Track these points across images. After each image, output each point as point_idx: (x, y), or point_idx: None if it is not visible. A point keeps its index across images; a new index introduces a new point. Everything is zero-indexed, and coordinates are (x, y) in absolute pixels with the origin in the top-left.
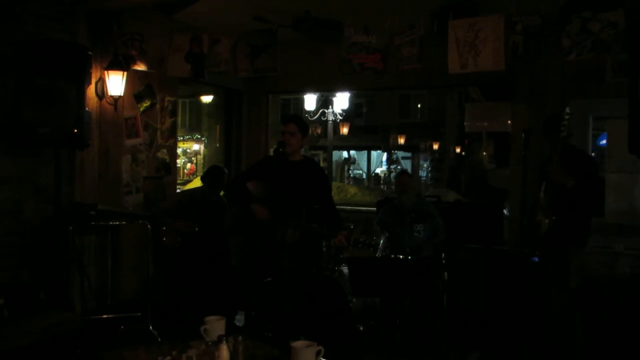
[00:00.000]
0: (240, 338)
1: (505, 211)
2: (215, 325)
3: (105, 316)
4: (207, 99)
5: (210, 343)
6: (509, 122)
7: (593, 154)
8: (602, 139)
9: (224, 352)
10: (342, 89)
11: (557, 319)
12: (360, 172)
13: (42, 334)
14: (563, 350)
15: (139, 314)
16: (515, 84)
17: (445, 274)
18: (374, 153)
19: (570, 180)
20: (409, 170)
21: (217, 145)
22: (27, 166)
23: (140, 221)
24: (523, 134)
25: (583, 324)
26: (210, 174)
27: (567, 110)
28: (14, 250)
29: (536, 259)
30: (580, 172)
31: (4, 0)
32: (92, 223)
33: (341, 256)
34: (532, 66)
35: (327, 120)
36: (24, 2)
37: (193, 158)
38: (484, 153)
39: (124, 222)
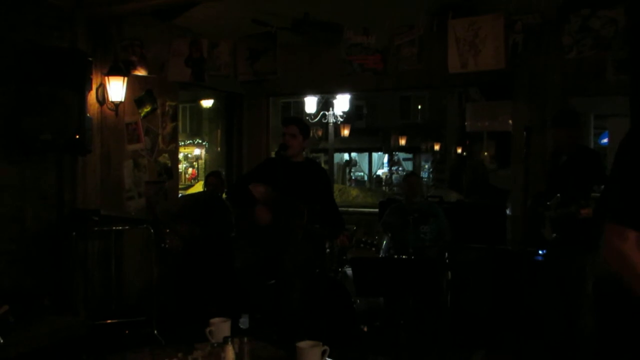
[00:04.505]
0: (245, 339)
1: (507, 211)
2: (221, 327)
3: (109, 321)
4: (207, 103)
5: (215, 344)
6: (510, 121)
7: None
8: (603, 138)
9: (230, 353)
10: (342, 90)
11: (575, 322)
12: (362, 174)
13: (47, 339)
14: (572, 349)
15: (144, 318)
16: (515, 82)
17: (449, 273)
18: (375, 155)
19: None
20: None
21: (218, 149)
22: (29, 173)
23: (144, 226)
24: (524, 132)
25: (595, 323)
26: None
27: None
28: (17, 256)
29: (539, 258)
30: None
31: (2, 8)
32: (95, 228)
33: (344, 257)
34: (533, 64)
35: (327, 123)
36: (22, 9)
37: (194, 163)
38: (485, 153)
39: (126, 227)
